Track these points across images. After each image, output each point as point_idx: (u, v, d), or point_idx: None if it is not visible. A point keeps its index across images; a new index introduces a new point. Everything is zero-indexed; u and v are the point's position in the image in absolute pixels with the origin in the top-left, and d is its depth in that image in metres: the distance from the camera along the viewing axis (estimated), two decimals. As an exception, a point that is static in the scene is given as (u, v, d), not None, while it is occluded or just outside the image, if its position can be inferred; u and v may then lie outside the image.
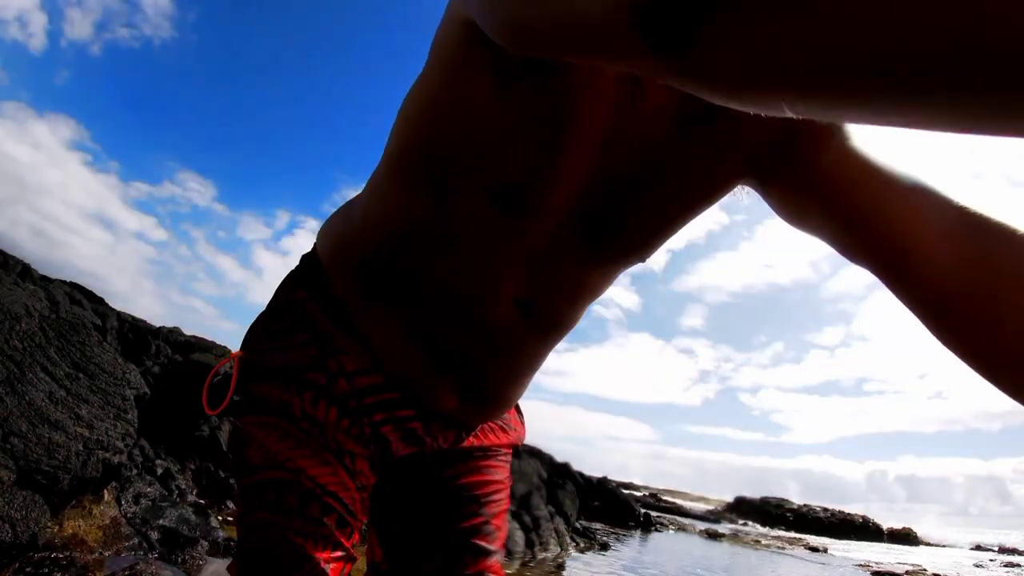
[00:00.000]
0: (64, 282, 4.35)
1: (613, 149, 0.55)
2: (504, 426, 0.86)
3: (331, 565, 0.64)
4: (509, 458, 0.89)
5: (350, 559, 0.68)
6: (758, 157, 0.55)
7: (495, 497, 0.83)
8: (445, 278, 0.63)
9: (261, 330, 0.74)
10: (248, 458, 0.68)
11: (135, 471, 3.83)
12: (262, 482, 0.66)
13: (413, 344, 0.67)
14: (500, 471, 0.85)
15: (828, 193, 0.51)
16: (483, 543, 0.79)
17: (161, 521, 3.59)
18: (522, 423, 0.91)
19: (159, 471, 4.45)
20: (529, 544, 6.64)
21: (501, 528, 0.83)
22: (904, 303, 0.47)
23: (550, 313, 0.66)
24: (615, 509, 12.30)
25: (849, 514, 21.78)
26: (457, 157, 0.57)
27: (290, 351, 0.71)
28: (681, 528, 14.90)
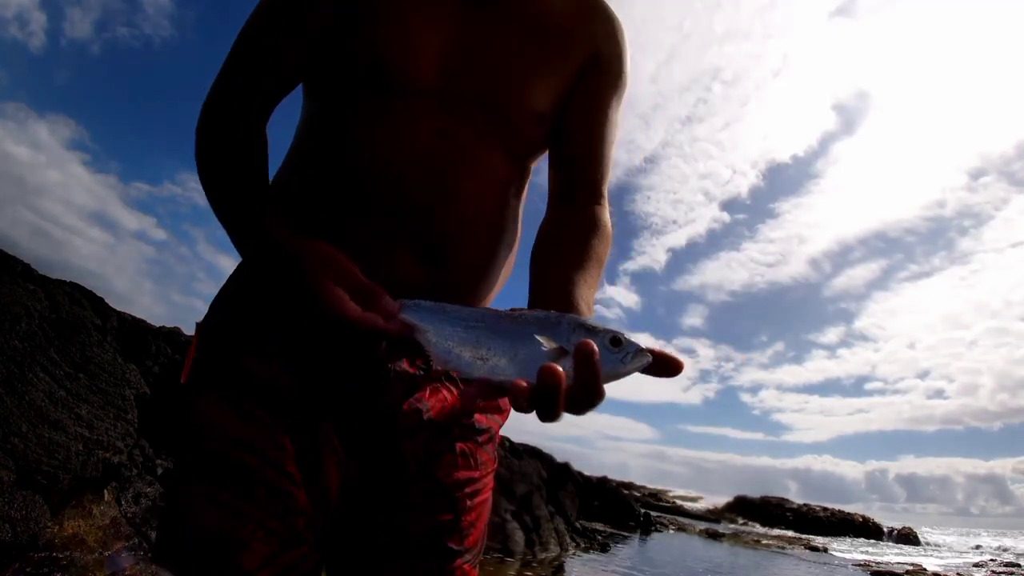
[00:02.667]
0: (64, 282, 4.33)
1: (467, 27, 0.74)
2: None
3: (261, 548, 0.60)
4: (492, 436, 0.80)
5: (292, 543, 0.63)
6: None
7: (468, 490, 0.75)
8: (367, 155, 0.72)
9: (217, 298, 0.75)
10: (190, 426, 0.66)
11: (135, 471, 3.83)
12: (204, 450, 0.64)
13: (358, 219, 0.69)
14: (479, 455, 0.78)
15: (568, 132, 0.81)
16: (451, 544, 0.72)
17: (161, 521, 3.58)
18: None
19: (159, 471, 4.45)
20: (529, 544, 6.64)
21: (476, 523, 0.76)
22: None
23: (468, 139, 0.73)
24: (615, 509, 12.30)
25: (849, 514, 21.79)
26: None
27: (238, 306, 0.72)
28: (681, 528, 14.91)
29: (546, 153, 0.84)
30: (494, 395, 0.53)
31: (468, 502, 0.75)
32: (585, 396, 0.47)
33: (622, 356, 0.49)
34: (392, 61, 0.71)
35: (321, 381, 0.68)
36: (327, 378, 0.69)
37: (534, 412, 0.47)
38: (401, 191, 0.69)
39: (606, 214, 0.80)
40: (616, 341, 0.49)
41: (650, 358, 0.50)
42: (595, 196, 0.81)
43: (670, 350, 0.52)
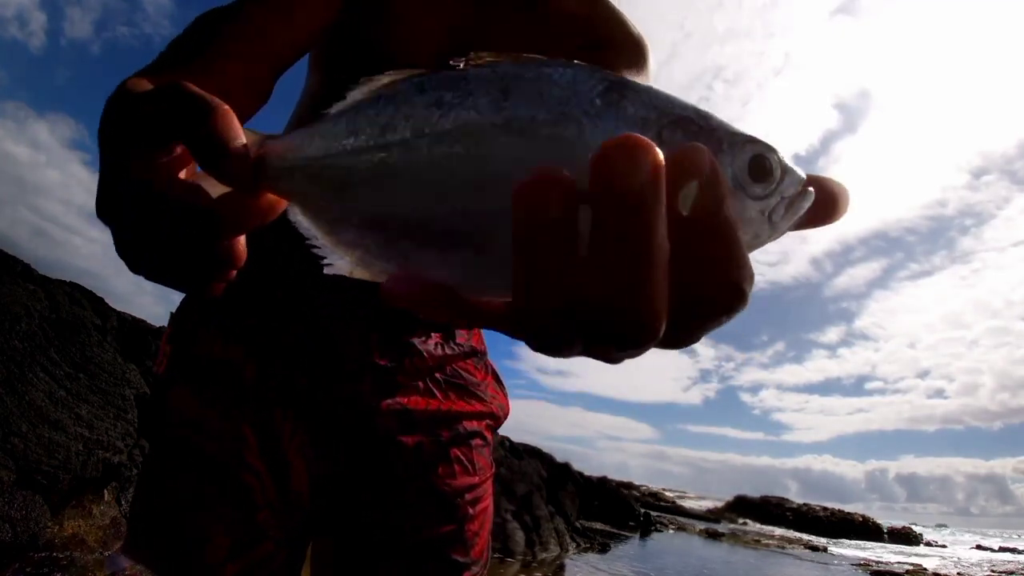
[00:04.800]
0: (64, 282, 4.33)
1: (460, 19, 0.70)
2: (478, 393, 0.74)
3: (224, 541, 0.60)
4: (488, 440, 0.76)
5: (255, 539, 0.61)
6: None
7: (469, 496, 0.71)
8: None
9: None
10: (160, 415, 0.66)
11: (135, 471, 3.82)
12: (171, 439, 0.64)
13: None
14: (476, 460, 0.73)
15: None
16: (456, 556, 0.68)
17: (161, 521, 3.58)
18: (502, 392, 0.79)
19: (159, 471, 4.44)
20: (529, 544, 6.64)
21: (480, 533, 0.71)
22: None
23: None
24: (615, 509, 12.29)
25: (849, 513, 21.81)
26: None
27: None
28: (681, 528, 14.90)
29: None
30: (458, 319, 0.25)
31: (470, 510, 0.70)
32: (702, 288, 0.22)
33: (769, 203, 0.24)
34: (391, 47, 0.70)
35: (278, 370, 0.66)
36: (283, 367, 0.66)
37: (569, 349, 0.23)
38: None
39: None
40: (760, 165, 0.24)
41: (811, 199, 0.26)
42: None
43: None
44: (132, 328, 4.71)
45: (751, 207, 0.24)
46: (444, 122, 0.25)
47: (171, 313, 0.73)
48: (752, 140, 0.24)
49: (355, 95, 0.30)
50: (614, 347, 0.23)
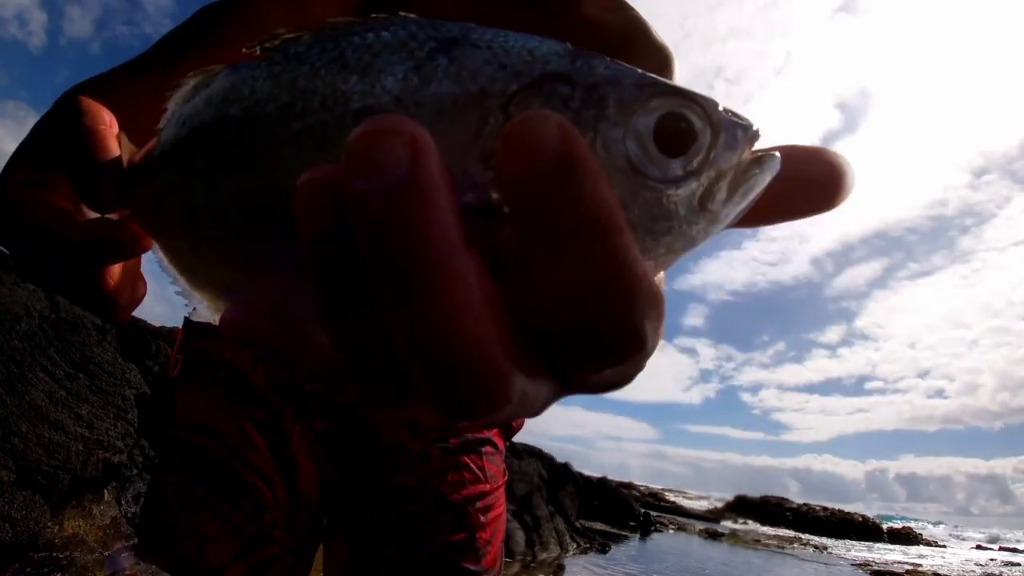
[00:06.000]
0: (64, 282, 4.34)
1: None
2: None
3: (230, 544, 0.60)
4: (500, 448, 0.75)
5: (260, 541, 0.62)
6: None
7: (480, 504, 0.70)
8: None
9: None
10: (172, 410, 0.66)
11: (135, 471, 3.82)
12: (178, 441, 0.65)
13: None
14: (488, 468, 0.72)
15: None
16: (468, 565, 0.67)
17: (161, 521, 3.57)
18: None
19: (159, 471, 4.44)
20: (529, 544, 6.64)
21: (492, 541, 0.71)
22: None
23: None
24: (615, 509, 12.29)
25: (849, 513, 21.83)
26: None
27: None
28: (681, 528, 14.90)
29: None
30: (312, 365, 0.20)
31: (481, 518, 0.70)
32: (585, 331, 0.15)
33: (696, 185, 0.17)
34: None
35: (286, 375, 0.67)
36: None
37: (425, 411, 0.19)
38: None
39: None
40: (674, 128, 0.17)
41: (775, 167, 0.18)
42: None
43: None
44: (132, 328, 4.71)
45: (666, 195, 0.16)
46: (232, 137, 0.22)
47: (185, 317, 0.73)
48: (662, 92, 0.16)
49: (176, 98, 0.27)
50: (445, 414, 0.16)
